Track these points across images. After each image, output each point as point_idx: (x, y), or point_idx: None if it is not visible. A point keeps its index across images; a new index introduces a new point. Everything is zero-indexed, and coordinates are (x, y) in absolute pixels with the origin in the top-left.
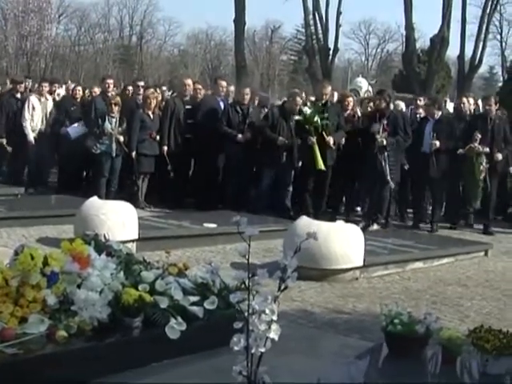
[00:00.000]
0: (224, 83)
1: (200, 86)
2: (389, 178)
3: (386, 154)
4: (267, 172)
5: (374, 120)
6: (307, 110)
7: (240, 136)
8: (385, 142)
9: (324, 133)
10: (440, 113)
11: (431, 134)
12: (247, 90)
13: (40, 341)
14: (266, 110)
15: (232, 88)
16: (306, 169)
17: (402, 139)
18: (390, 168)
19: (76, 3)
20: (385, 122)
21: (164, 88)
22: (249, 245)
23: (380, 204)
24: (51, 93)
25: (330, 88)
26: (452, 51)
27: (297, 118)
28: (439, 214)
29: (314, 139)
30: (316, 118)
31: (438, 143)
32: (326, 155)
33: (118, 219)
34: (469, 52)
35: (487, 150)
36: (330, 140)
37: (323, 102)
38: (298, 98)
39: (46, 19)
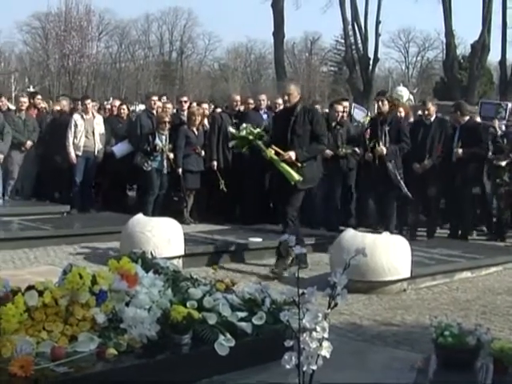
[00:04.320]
0: (264, 96)
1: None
2: (405, 189)
3: (393, 162)
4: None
5: (375, 125)
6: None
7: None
8: (385, 151)
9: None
10: (467, 118)
11: (457, 142)
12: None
13: (90, 359)
14: None
15: (280, 100)
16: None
17: (407, 146)
18: (401, 177)
19: (116, 20)
20: (387, 128)
21: (205, 106)
22: (298, 264)
23: (388, 219)
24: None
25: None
26: (493, 57)
27: (231, 144)
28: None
29: (271, 153)
30: (251, 137)
31: (460, 151)
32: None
33: (163, 236)
34: (510, 57)
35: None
36: (292, 155)
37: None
38: (338, 106)
39: (87, 37)
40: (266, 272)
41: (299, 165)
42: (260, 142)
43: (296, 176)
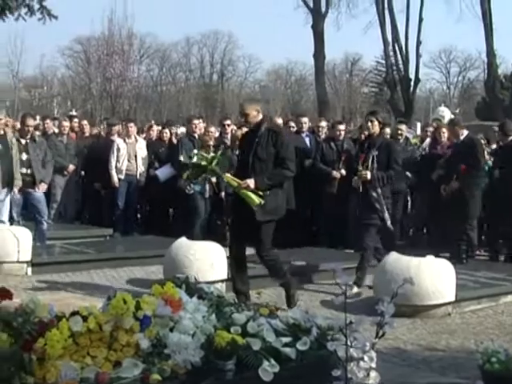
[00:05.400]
0: (305, 119)
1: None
2: (389, 222)
3: (378, 190)
4: None
5: (362, 149)
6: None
7: (335, 172)
8: (369, 176)
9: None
10: (510, 138)
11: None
12: (342, 126)
13: None
14: None
15: (323, 123)
16: None
17: (395, 174)
18: (387, 207)
19: (157, 44)
20: (375, 152)
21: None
22: (345, 294)
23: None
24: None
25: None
26: None
27: (185, 175)
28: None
29: (228, 178)
30: (203, 163)
31: (497, 172)
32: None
33: (207, 260)
34: None
35: None
36: (250, 183)
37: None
38: (386, 129)
39: (128, 61)
40: (308, 296)
41: (261, 193)
42: (216, 167)
43: (256, 200)
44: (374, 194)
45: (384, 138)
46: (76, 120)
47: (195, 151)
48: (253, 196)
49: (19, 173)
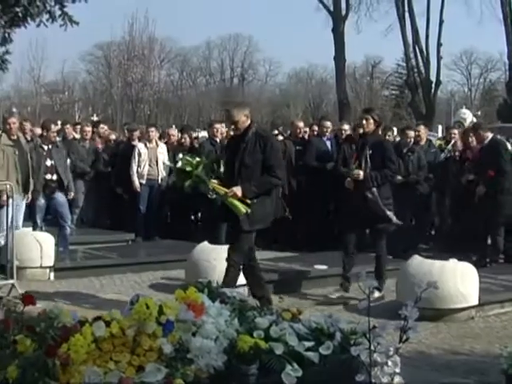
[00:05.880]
0: (329, 123)
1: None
2: (395, 218)
3: (373, 190)
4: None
5: (356, 148)
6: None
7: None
8: (361, 176)
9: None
10: None
11: None
12: None
13: None
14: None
15: (346, 126)
16: None
17: (391, 173)
18: (385, 203)
19: (177, 48)
20: (369, 151)
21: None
22: (369, 298)
23: (379, 262)
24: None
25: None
26: None
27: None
28: None
29: (213, 184)
30: (188, 169)
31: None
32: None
33: None
34: None
35: None
36: (236, 191)
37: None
38: (410, 132)
39: (149, 66)
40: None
41: (248, 201)
42: (201, 173)
43: (243, 209)
44: (370, 196)
45: (378, 136)
46: (103, 126)
47: (180, 155)
48: (239, 205)
49: (37, 178)
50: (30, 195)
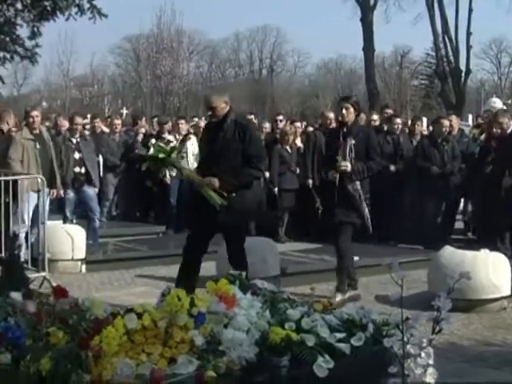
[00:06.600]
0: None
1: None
2: (368, 220)
3: (357, 184)
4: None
5: (337, 138)
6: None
7: (393, 167)
8: (349, 168)
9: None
10: None
11: None
12: (399, 120)
13: (189, 381)
14: None
15: (375, 116)
16: None
17: (375, 166)
18: (365, 197)
19: (206, 40)
20: (352, 141)
21: (298, 124)
22: (401, 288)
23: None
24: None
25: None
26: None
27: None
28: None
29: (186, 171)
30: (161, 155)
31: None
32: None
33: (259, 255)
34: None
35: None
36: (214, 182)
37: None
38: (444, 121)
39: (178, 58)
40: (361, 290)
41: (225, 194)
42: (175, 160)
43: (218, 200)
44: (350, 188)
45: (360, 126)
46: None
47: (153, 141)
48: (214, 196)
49: (66, 171)
50: (57, 190)
